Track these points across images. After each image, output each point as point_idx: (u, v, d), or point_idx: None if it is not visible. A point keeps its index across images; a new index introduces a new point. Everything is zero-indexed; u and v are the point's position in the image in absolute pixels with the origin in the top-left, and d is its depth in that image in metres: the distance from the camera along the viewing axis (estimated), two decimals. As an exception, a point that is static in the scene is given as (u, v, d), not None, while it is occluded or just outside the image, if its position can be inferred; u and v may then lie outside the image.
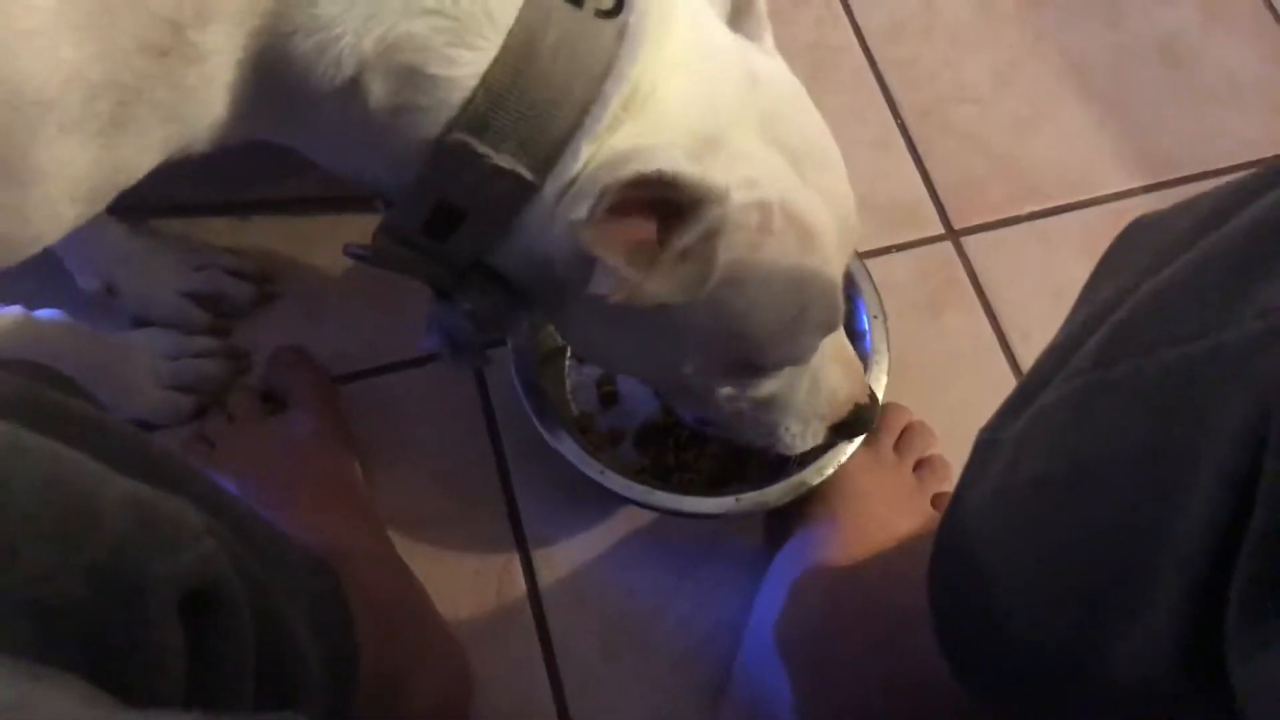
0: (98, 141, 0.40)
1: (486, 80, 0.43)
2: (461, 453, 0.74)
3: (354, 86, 0.43)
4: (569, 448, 0.65)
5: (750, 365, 0.55)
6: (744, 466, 0.72)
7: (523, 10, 0.43)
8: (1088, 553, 0.37)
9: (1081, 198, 0.88)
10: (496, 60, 0.43)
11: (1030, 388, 0.43)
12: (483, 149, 0.44)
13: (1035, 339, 0.82)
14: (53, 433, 0.31)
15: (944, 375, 0.80)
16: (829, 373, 0.59)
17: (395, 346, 0.76)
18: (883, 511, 0.67)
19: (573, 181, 0.45)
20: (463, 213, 0.47)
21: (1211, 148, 0.91)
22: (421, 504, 0.72)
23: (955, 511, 0.48)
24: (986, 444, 0.46)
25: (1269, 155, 0.90)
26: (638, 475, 0.68)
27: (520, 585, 0.70)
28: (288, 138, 0.48)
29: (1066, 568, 0.39)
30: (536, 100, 0.43)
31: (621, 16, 0.44)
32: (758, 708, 0.64)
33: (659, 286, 0.46)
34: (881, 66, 0.92)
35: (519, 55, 0.43)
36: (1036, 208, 0.87)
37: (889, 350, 0.71)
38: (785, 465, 0.68)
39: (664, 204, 0.44)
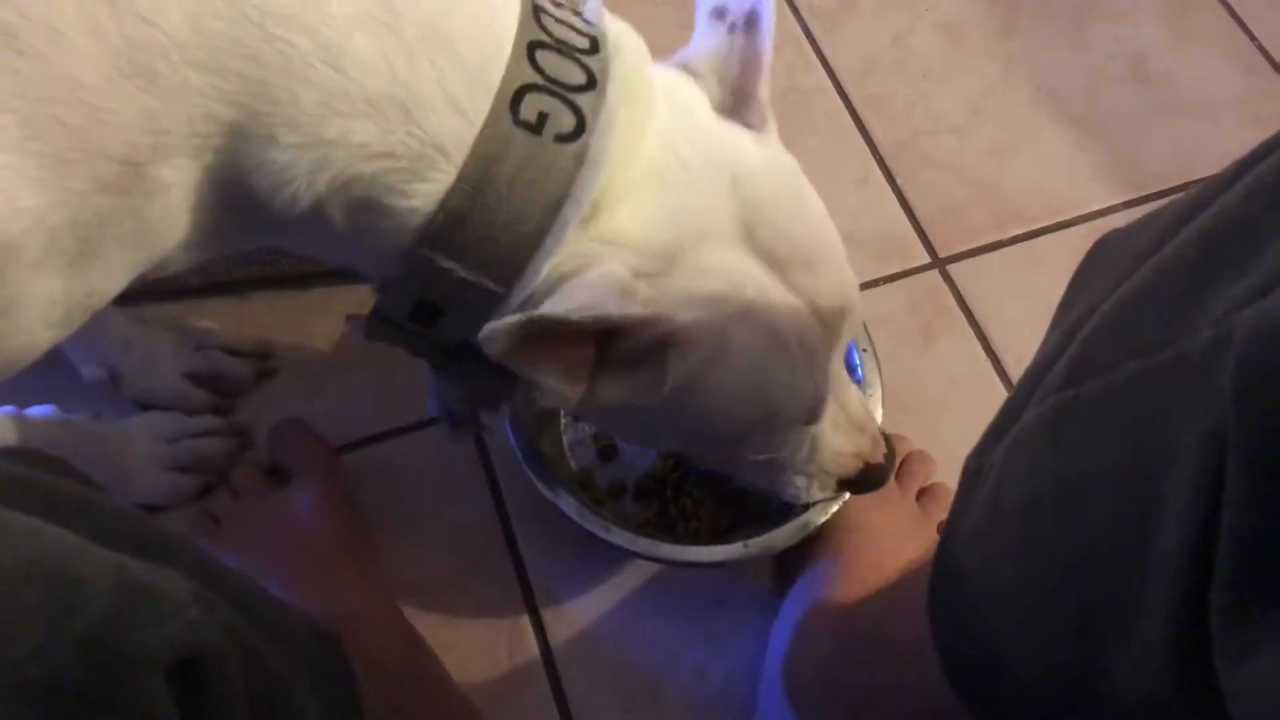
0: (66, 273, 0.41)
1: (445, 204, 0.44)
2: (466, 515, 0.74)
3: (316, 214, 0.44)
4: (572, 506, 0.65)
5: (733, 444, 0.56)
6: (748, 509, 0.71)
7: (478, 141, 0.43)
8: (1076, 572, 0.37)
9: (1064, 218, 0.89)
10: (452, 189, 0.43)
11: (1011, 411, 0.44)
12: (447, 264, 0.45)
13: (1028, 361, 0.81)
14: (37, 512, 0.31)
15: (941, 403, 0.80)
16: (830, 437, 0.59)
17: (395, 413, 0.77)
18: (889, 544, 0.67)
19: (531, 295, 0.46)
20: (441, 309, 0.48)
21: (1189, 161, 0.92)
22: (429, 568, 0.72)
23: (948, 540, 0.48)
24: (973, 470, 0.46)
25: (1246, 163, 0.91)
26: (642, 528, 0.68)
27: (532, 644, 0.70)
28: (268, 244, 0.49)
29: (1057, 588, 0.39)
30: (495, 223, 0.44)
31: (581, 140, 0.44)
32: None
33: (611, 391, 0.47)
34: (856, 105, 0.94)
35: (475, 183, 0.43)
36: (1020, 231, 0.88)
37: (882, 381, 0.71)
38: (789, 505, 0.68)
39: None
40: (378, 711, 0.52)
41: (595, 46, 0.47)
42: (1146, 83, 0.97)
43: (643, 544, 0.65)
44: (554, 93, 0.44)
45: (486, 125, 0.43)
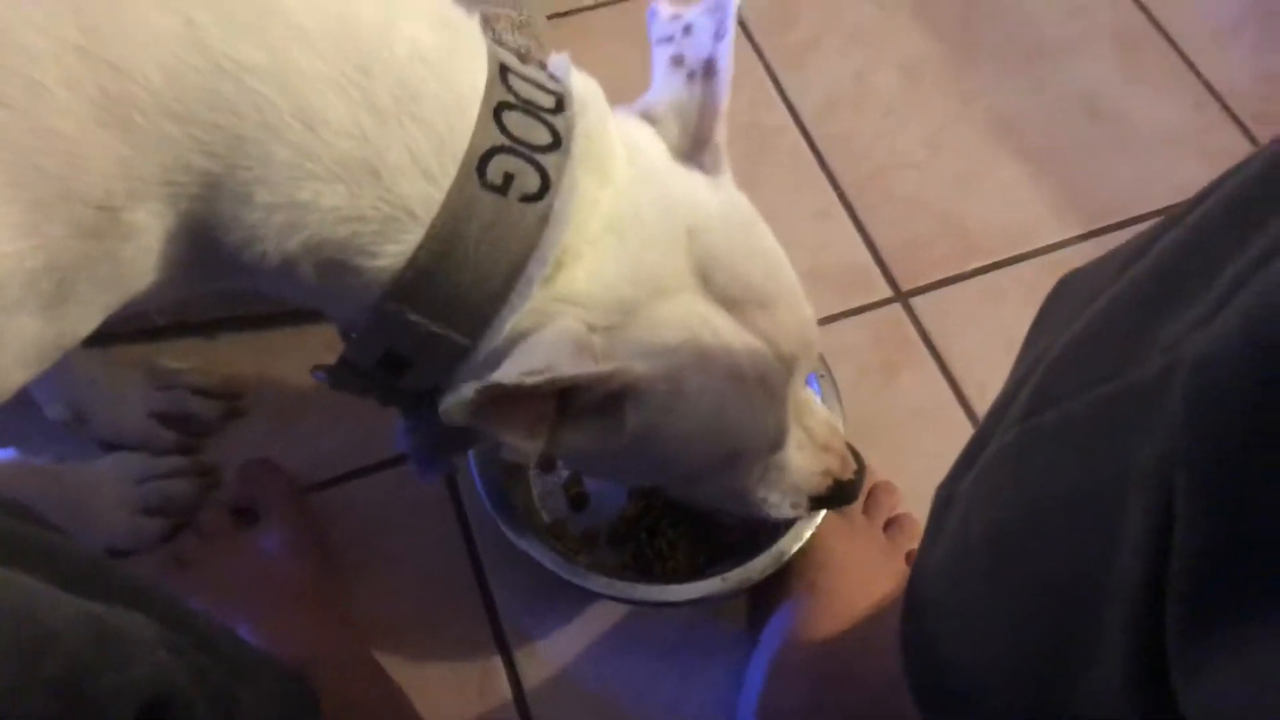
0: (43, 314, 0.42)
1: (413, 262, 0.45)
2: (436, 553, 0.74)
3: (286, 268, 0.45)
4: (548, 556, 0.65)
5: (700, 479, 0.57)
6: (722, 545, 0.72)
7: (445, 203, 0.44)
8: (1041, 598, 0.38)
9: (1023, 250, 0.91)
10: (420, 247, 0.44)
11: (978, 443, 0.44)
12: (415, 318, 0.46)
13: (991, 392, 0.82)
14: (1, 560, 0.31)
15: (906, 435, 0.81)
16: (796, 459, 0.60)
17: (364, 452, 0.77)
18: (859, 577, 0.68)
19: (495, 350, 0.47)
20: (409, 360, 0.48)
21: (1142, 194, 0.95)
22: (399, 607, 0.72)
23: (918, 572, 0.48)
24: (942, 501, 0.47)
25: (1196, 197, 0.94)
26: (621, 572, 0.69)
27: (503, 683, 0.70)
28: (239, 285, 0.50)
29: (1023, 615, 0.39)
30: (462, 280, 0.45)
31: (545, 200, 0.46)
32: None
33: (572, 441, 0.48)
34: (818, 141, 0.96)
35: (443, 242, 0.44)
36: (980, 263, 0.90)
37: (841, 405, 0.72)
38: (760, 536, 0.68)
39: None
40: None
41: (560, 105, 0.48)
42: (1099, 119, 1.00)
43: (621, 587, 0.65)
44: (520, 154, 0.45)
45: (454, 188, 0.44)
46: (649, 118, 0.53)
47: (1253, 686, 0.27)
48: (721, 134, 0.53)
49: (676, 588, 0.66)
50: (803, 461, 0.60)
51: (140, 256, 0.43)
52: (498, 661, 0.70)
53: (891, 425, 0.81)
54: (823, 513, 0.67)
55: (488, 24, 0.80)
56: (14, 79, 0.37)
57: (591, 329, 0.46)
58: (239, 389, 0.79)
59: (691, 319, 0.49)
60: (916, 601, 0.49)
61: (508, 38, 0.81)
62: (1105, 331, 0.37)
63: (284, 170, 0.41)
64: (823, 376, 0.73)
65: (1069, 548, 0.36)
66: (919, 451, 0.80)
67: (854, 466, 0.62)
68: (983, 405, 0.83)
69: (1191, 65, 1.04)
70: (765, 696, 0.63)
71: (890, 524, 0.74)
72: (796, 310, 0.54)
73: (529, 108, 0.46)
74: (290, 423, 0.78)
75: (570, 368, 0.44)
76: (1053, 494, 0.37)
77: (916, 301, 0.88)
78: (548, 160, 0.46)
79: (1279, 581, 0.27)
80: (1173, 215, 0.38)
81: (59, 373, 0.72)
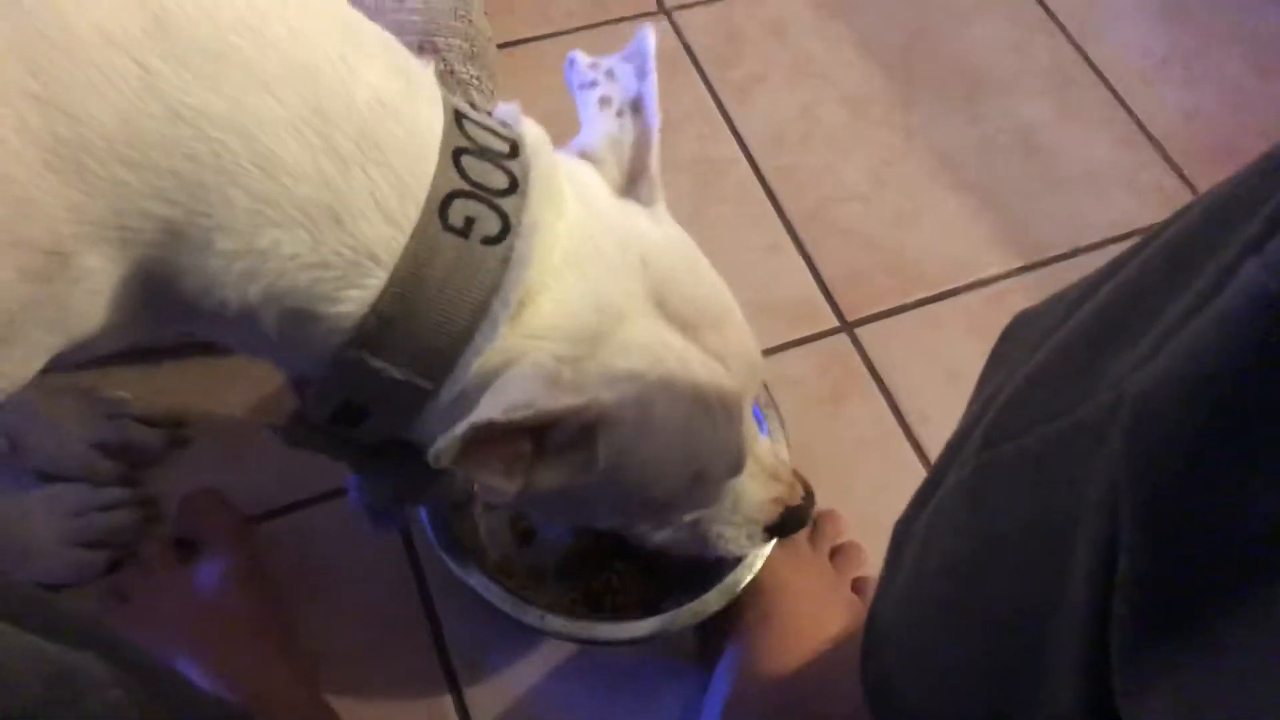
0: None
1: (376, 307, 0.45)
2: (385, 585, 0.73)
3: (246, 317, 0.45)
4: (505, 600, 0.65)
5: (666, 509, 0.57)
6: (672, 577, 0.72)
7: (408, 247, 0.44)
8: (996, 628, 0.39)
9: (964, 282, 0.94)
10: (383, 292, 0.44)
11: (934, 479, 0.46)
12: (377, 364, 0.46)
13: (934, 420, 0.85)
14: None
15: (851, 463, 0.83)
16: (750, 487, 0.61)
17: (312, 481, 0.76)
18: (810, 606, 0.69)
19: (463, 391, 0.47)
20: (367, 410, 0.48)
21: (1077, 229, 0.98)
22: (346, 640, 0.71)
23: (877, 607, 0.49)
24: (900, 536, 0.48)
25: (1128, 232, 0.97)
26: (571, 607, 0.69)
27: (452, 716, 0.69)
28: (195, 333, 0.49)
29: (978, 645, 0.40)
30: (426, 323, 0.45)
31: (506, 241, 0.46)
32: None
33: (548, 478, 0.48)
34: (766, 174, 0.98)
35: (406, 285, 0.45)
36: (923, 295, 0.93)
37: (786, 437, 0.73)
38: (708, 566, 0.68)
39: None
40: None
41: (515, 151, 0.48)
42: (1035, 154, 1.03)
43: (579, 628, 0.65)
44: (480, 198, 0.46)
45: (417, 230, 0.44)
46: (588, 157, 0.54)
47: (1183, 709, 0.28)
48: (655, 166, 0.55)
49: (632, 625, 0.65)
50: (755, 489, 0.61)
51: (89, 300, 0.42)
52: (447, 696, 0.70)
53: (838, 452, 0.83)
54: (772, 542, 0.68)
55: (439, 54, 0.81)
56: None
57: (560, 362, 0.47)
58: (183, 417, 0.77)
59: (653, 342, 0.50)
60: (876, 634, 0.49)
61: (460, 68, 0.82)
62: (1056, 370, 0.38)
63: (244, 217, 0.41)
64: (767, 407, 0.74)
65: (1022, 577, 0.37)
66: (864, 478, 0.82)
67: (802, 492, 0.64)
68: (925, 431, 0.85)
69: (1122, 102, 1.08)
70: None
71: (835, 552, 0.75)
72: (744, 331, 0.56)
73: (485, 153, 0.47)
74: (235, 453, 0.77)
75: (549, 402, 0.45)
76: (1006, 527, 0.38)
77: (861, 331, 0.90)
78: (506, 203, 0.46)
79: (1209, 607, 0.28)
80: (1117, 260, 0.40)
81: (-5, 401, 0.71)
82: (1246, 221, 0.29)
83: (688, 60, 1.04)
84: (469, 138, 0.47)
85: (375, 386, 0.47)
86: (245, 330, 0.45)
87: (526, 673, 0.71)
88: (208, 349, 0.80)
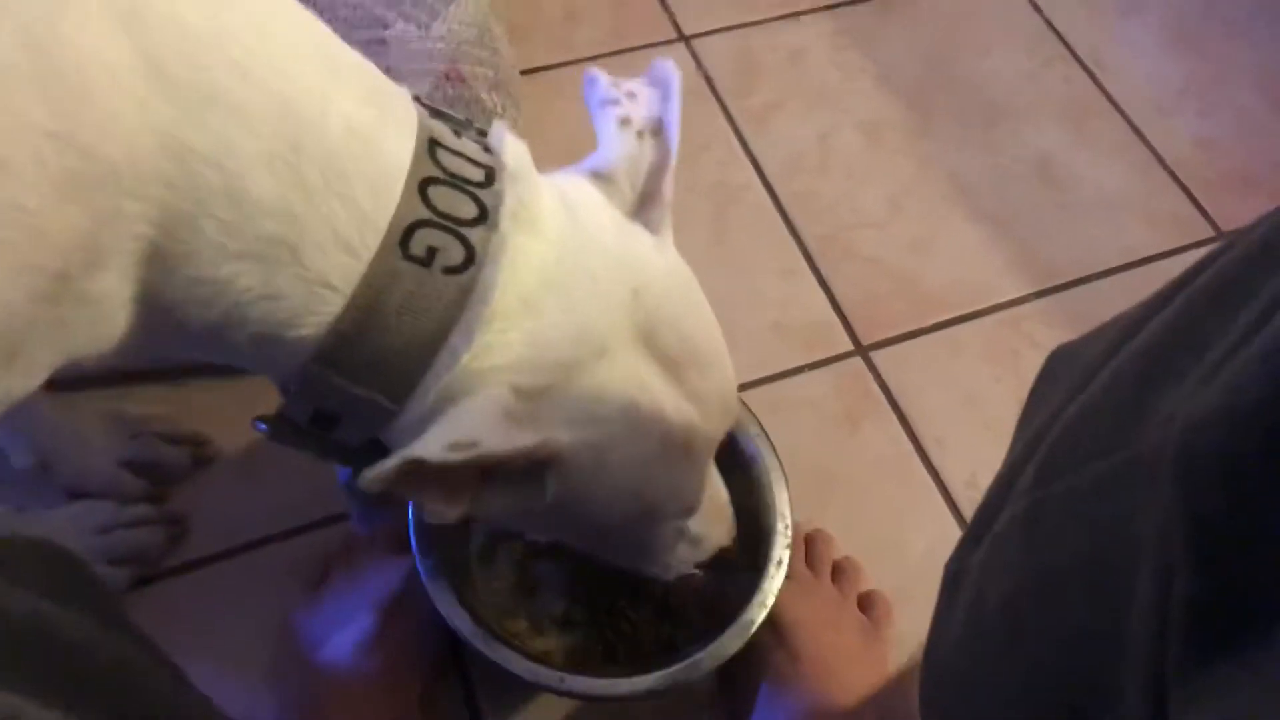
0: None
1: (335, 329, 0.45)
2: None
3: (213, 334, 0.46)
4: (525, 668, 0.63)
5: (612, 534, 0.58)
6: (680, 613, 0.71)
7: (366, 274, 0.45)
8: (1058, 661, 0.38)
9: (979, 307, 0.94)
10: (340, 318, 0.45)
11: (985, 516, 0.45)
12: (339, 381, 0.46)
13: (949, 443, 0.86)
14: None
15: (866, 486, 0.83)
16: (696, 525, 0.61)
17: (334, 499, 0.77)
18: (830, 637, 0.69)
19: (426, 412, 0.47)
20: (338, 417, 0.49)
21: (1091, 255, 0.99)
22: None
23: (933, 651, 0.48)
24: (953, 574, 0.47)
25: (1142, 258, 0.98)
26: (584, 657, 0.68)
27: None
28: (186, 352, 0.50)
29: (1042, 680, 0.39)
30: (384, 347, 0.46)
31: (469, 272, 0.46)
32: None
33: (494, 505, 0.48)
34: (783, 200, 0.99)
35: (364, 312, 0.45)
36: (938, 319, 0.93)
37: (780, 463, 0.71)
38: (718, 606, 0.67)
39: None
40: None
41: (490, 178, 0.48)
42: (1050, 183, 1.04)
43: (600, 685, 0.63)
44: (445, 227, 0.46)
45: (375, 260, 0.45)
46: (600, 176, 0.53)
47: None
48: (669, 188, 0.54)
49: (657, 675, 0.63)
50: (701, 528, 0.61)
51: (92, 322, 0.44)
52: None
53: (852, 475, 0.83)
54: (782, 575, 0.67)
55: (465, 82, 0.82)
56: None
57: (520, 393, 0.47)
58: (206, 436, 0.79)
59: (630, 384, 0.50)
60: (934, 680, 0.48)
61: (485, 96, 0.83)
62: (1106, 406, 0.38)
63: (210, 249, 0.43)
64: (757, 436, 0.72)
65: (1082, 611, 0.37)
66: (880, 501, 0.82)
67: (733, 532, 0.64)
68: (941, 456, 0.85)
69: (1138, 132, 1.08)
70: None
71: (835, 571, 0.75)
72: (726, 373, 0.55)
73: (455, 182, 0.47)
74: (260, 470, 0.78)
75: (496, 443, 0.44)
76: (1064, 561, 0.38)
77: (877, 355, 0.90)
78: (473, 234, 0.46)
79: (1257, 628, 0.28)
80: (1158, 295, 0.41)
81: (23, 420, 0.72)
82: None
83: (706, 88, 1.05)
84: (440, 166, 0.47)
85: (340, 399, 0.47)
86: (219, 345, 0.46)
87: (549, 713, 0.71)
88: (229, 369, 0.81)
